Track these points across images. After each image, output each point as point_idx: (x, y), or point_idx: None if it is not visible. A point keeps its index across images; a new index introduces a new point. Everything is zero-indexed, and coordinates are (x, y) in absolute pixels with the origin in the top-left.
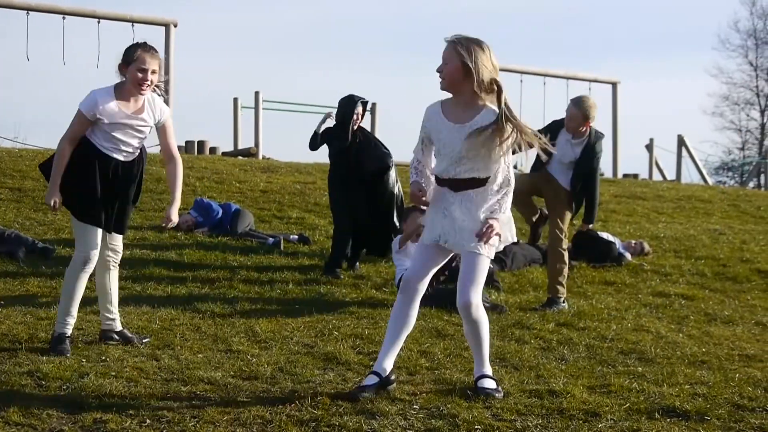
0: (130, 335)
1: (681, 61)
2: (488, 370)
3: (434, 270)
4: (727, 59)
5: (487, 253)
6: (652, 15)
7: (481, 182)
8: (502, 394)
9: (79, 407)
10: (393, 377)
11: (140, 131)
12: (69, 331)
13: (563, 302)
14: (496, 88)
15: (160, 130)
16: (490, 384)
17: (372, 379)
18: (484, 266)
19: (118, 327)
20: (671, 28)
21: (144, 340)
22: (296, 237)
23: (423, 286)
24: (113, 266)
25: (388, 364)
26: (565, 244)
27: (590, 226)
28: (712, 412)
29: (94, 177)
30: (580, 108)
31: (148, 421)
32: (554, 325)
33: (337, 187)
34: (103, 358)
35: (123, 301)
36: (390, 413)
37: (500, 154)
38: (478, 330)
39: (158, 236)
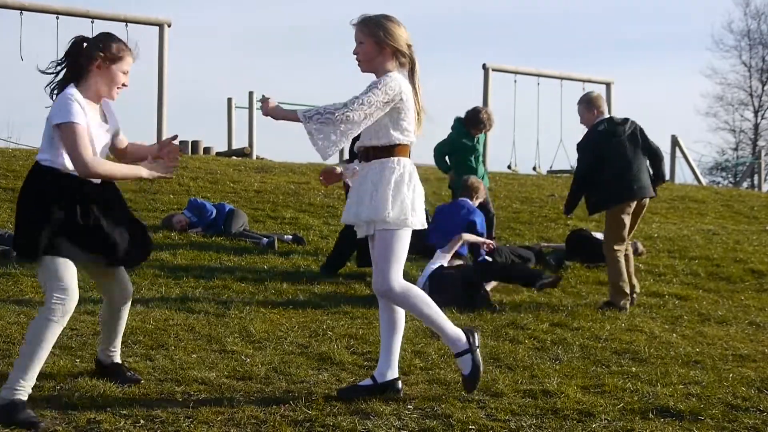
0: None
1: (675, 62)
2: (459, 344)
3: None
4: (721, 60)
5: (393, 226)
6: (646, 15)
7: (382, 151)
8: (475, 381)
9: (73, 407)
10: (397, 386)
11: (105, 142)
12: (26, 396)
13: (622, 305)
14: (408, 59)
15: (116, 137)
16: (463, 363)
17: (366, 381)
18: (392, 244)
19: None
20: (665, 29)
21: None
22: (290, 237)
23: None
24: (122, 307)
25: (385, 370)
26: (612, 249)
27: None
28: (706, 412)
29: (62, 206)
30: (579, 102)
31: (141, 421)
32: (548, 325)
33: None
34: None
35: None
36: (384, 413)
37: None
38: (415, 309)
39: (152, 236)
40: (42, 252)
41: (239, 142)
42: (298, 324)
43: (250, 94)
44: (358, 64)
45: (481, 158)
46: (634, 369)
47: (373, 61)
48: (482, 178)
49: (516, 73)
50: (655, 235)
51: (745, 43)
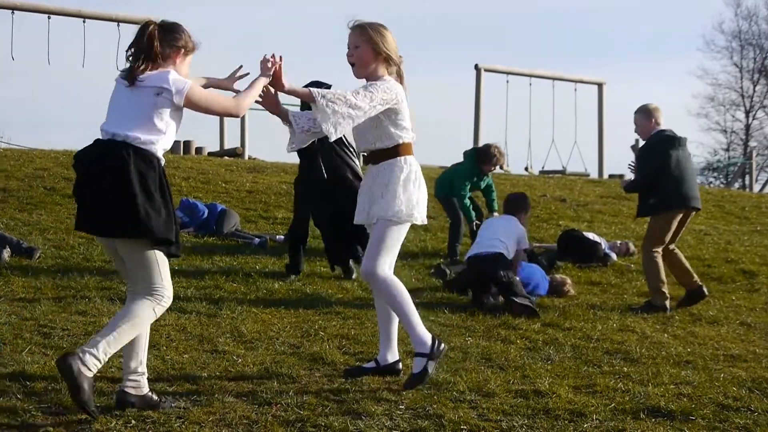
0: (156, 399)
1: (666, 63)
2: (422, 345)
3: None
4: (713, 61)
5: (392, 218)
6: (637, 16)
7: (389, 152)
8: (417, 383)
9: (64, 408)
10: (398, 367)
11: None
12: (93, 373)
13: (661, 305)
14: (396, 67)
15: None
16: (417, 363)
17: (370, 364)
18: (387, 234)
19: (146, 389)
20: (657, 30)
21: (173, 405)
22: (282, 237)
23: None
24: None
25: (386, 354)
26: (650, 251)
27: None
28: (697, 412)
29: (167, 195)
30: (637, 112)
31: (133, 421)
32: (540, 325)
33: (302, 186)
34: None
35: (109, 302)
36: (376, 413)
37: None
38: (393, 300)
39: None
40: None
41: (231, 142)
42: (290, 324)
43: None
44: (353, 68)
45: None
46: (625, 369)
47: (368, 66)
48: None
49: (508, 73)
50: None
51: (736, 44)
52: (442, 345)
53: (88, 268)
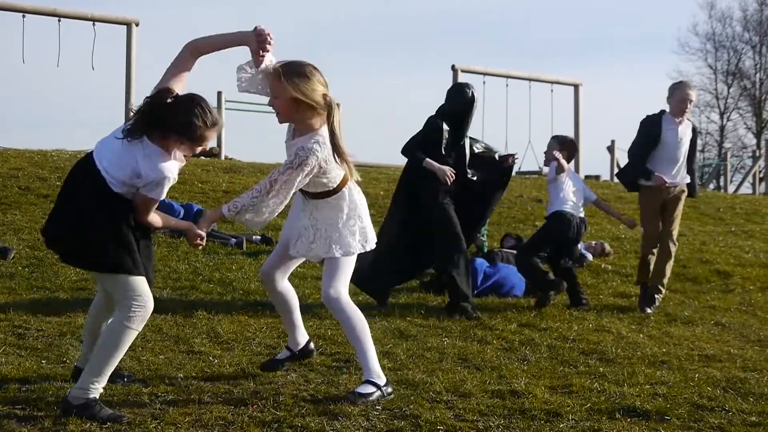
0: None
1: (642, 64)
2: (375, 375)
3: (291, 267)
4: (687, 62)
5: (343, 254)
6: (613, 18)
7: (323, 193)
8: (350, 400)
9: (39, 409)
10: (310, 347)
11: None
12: (98, 395)
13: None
14: (326, 107)
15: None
16: (364, 388)
17: (284, 353)
18: (341, 266)
19: None
20: (632, 31)
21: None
22: (259, 238)
23: (279, 277)
24: None
25: (296, 339)
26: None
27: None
28: (672, 411)
29: (130, 227)
30: (689, 87)
31: (108, 422)
32: (516, 325)
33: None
34: (63, 359)
35: (84, 302)
36: (352, 414)
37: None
38: (350, 323)
39: None
40: (128, 271)
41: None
42: (266, 325)
43: (219, 94)
44: (276, 115)
45: None
46: (601, 369)
47: (291, 115)
48: None
49: (485, 74)
50: (622, 236)
51: (710, 46)
52: (392, 390)
53: (63, 269)
